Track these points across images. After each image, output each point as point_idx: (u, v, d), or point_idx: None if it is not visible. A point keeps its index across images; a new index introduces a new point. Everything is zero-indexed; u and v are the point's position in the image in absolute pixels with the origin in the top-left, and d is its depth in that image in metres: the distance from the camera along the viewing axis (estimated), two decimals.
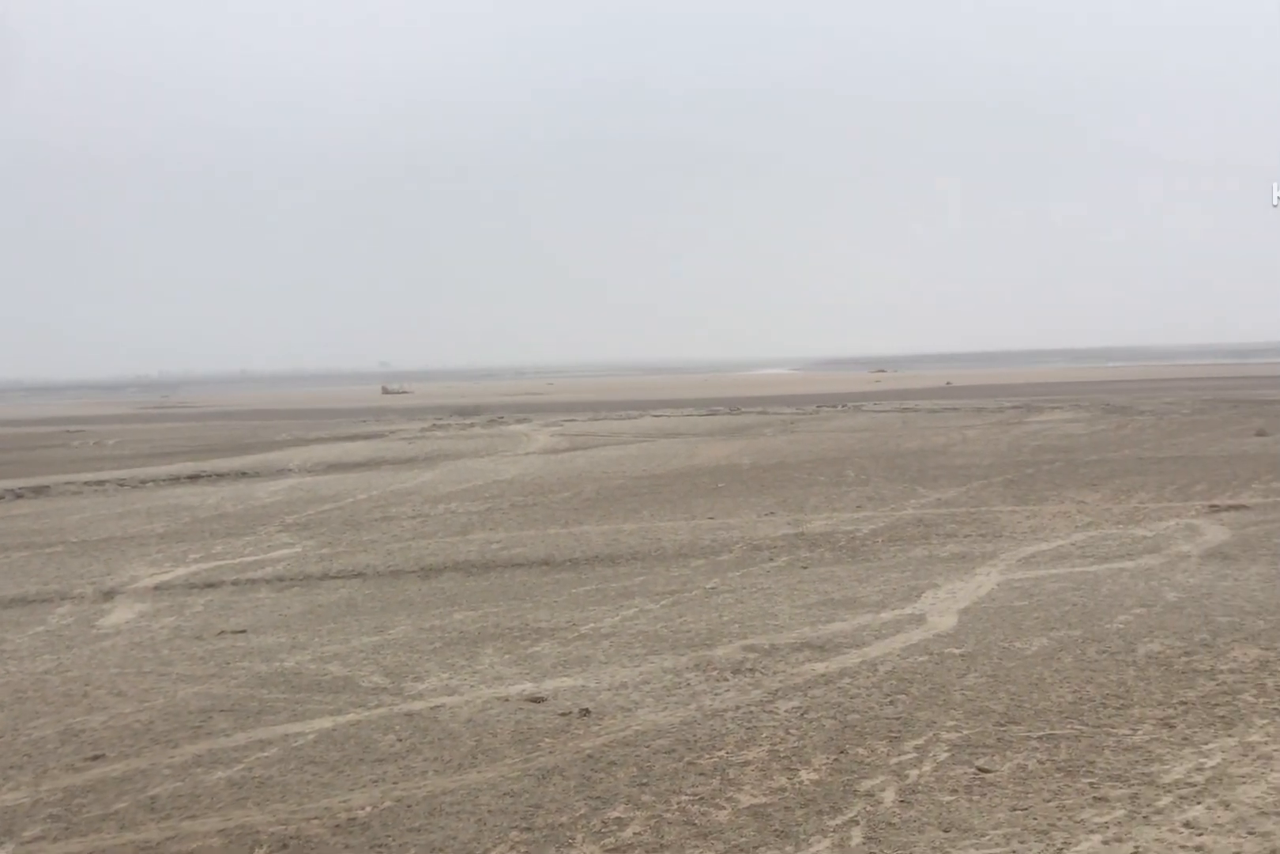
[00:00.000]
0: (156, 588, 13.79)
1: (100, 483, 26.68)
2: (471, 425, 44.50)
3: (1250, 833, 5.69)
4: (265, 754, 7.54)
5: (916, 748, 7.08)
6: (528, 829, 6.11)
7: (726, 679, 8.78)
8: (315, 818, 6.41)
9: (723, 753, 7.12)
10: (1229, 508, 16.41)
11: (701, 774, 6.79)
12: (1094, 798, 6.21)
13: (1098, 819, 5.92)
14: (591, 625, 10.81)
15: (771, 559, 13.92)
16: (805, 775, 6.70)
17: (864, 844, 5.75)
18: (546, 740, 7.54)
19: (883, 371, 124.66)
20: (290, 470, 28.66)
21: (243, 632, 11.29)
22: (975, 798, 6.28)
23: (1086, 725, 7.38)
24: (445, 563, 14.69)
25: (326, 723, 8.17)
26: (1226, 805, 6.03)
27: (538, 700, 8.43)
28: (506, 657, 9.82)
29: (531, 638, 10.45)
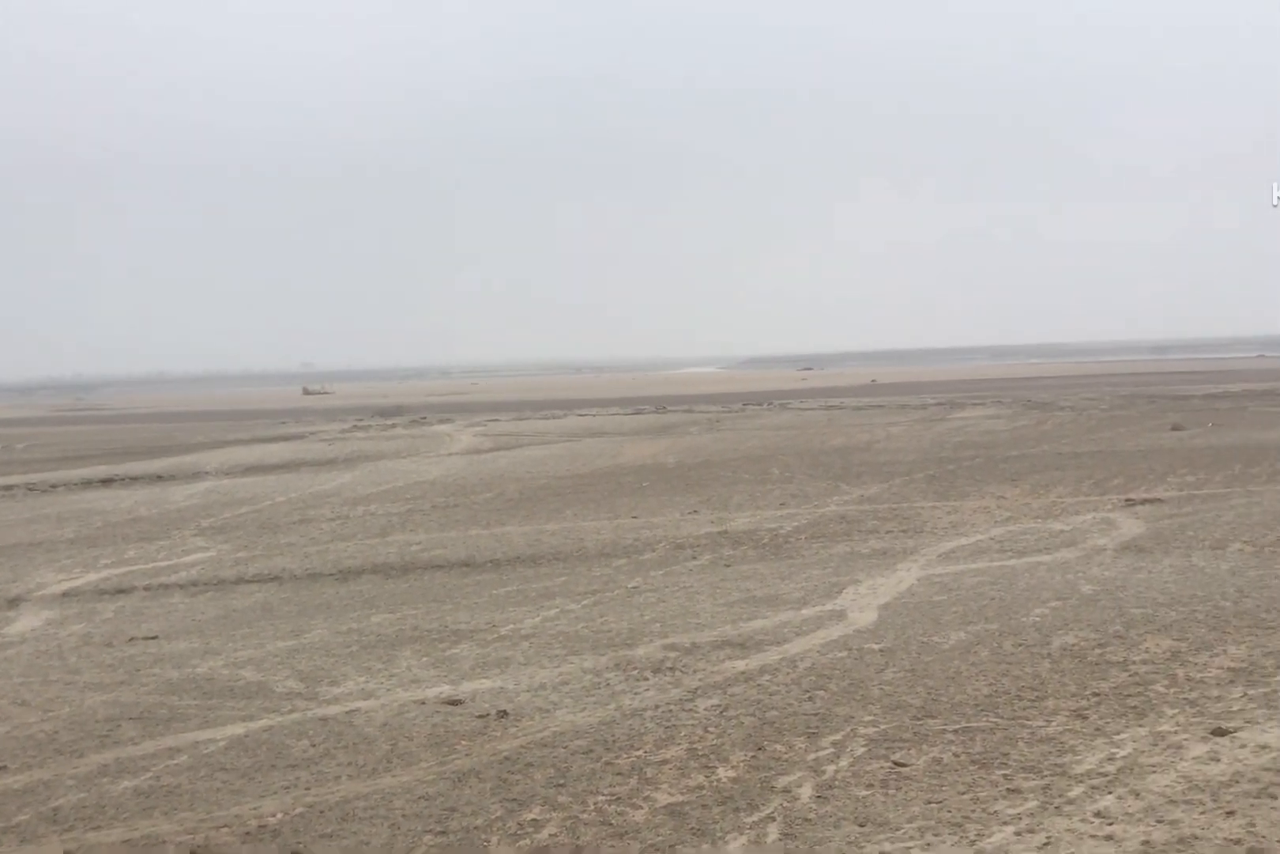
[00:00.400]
0: (65, 594, 13.51)
1: (8, 488, 26.09)
2: (393, 426, 44.16)
3: (1159, 821, 5.80)
4: (174, 762, 7.41)
5: (834, 743, 7.14)
6: (442, 833, 6.07)
7: (646, 678, 8.79)
8: (225, 826, 6.31)
9: (641, 752, 7.13)
10: (1144, 502, 16.75)
11: (619, 774, 6.79)
12: (1007, 790, 6.30)
13: (1011, 811, 6.01)
14: (511, 626, 10.77)
15: (694, 557, 13.97)
16: (723, 773, 6.73)
17: (780, 840, 5.78)
18: (463, 743, 7.50)
19: (809, 370, 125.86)
20: (207, 473, 28.24)
21: (154, 638, 11.10)
22: (891, 792, 6.34)
23: (1001, 718, 7.49)
24: (364, 565, 14.56)
25: (238, 729, 8.05)
26: (1137, 795, 6.15)
27: (455, 703, 8.38)
28: (425, 659, 9.75)
29: (450, 640, 10.39)
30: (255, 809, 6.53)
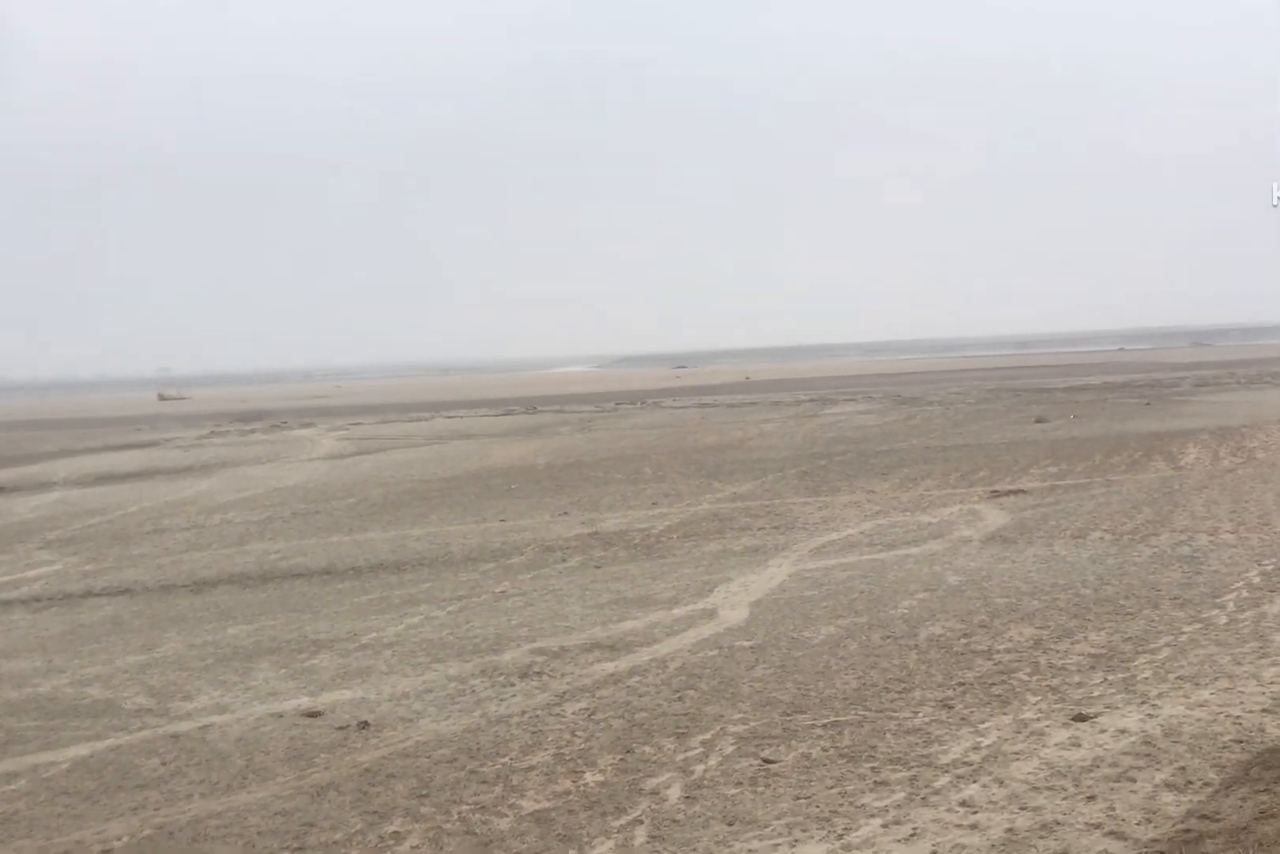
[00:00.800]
0: None
1: None
2: (253, 431, 43.23)
3: (1022, 808, 5.94)
4: (11, 787, 7.12)
5: (703, 743, 7.17)
6: (299, 849, 5.93)
7: (513, 684, 8.72)
8: (65, 852, 6.07)
9: (506, 759, 7.07)
10: (1009, 493, 17.21)
11: (484, 782, 6.72)
12: (875, 782, 6.40)
13: (878, 803, 6.10)
14: (374, 635, 10.59)
15: (564, 560, 13.93)
16: (590, 777, 6.70)
17: (648, 843, 5.78)
18: (322, 756, 7.35)
19: (683, 368, 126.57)
20: (55, 483, 27.33)
21: None
22: (760, 789, 6.39)
23: (869, 711, 7.61)
24: (220, 576, 14.20)
25: (83, 750, 7.77)
26: (1001, 783, 6.29)
27: (314, 715, 8.20)
28: (283, 671, 9.54)
29: (310, 650, 10.18)
30: (99, 834, 6.30)
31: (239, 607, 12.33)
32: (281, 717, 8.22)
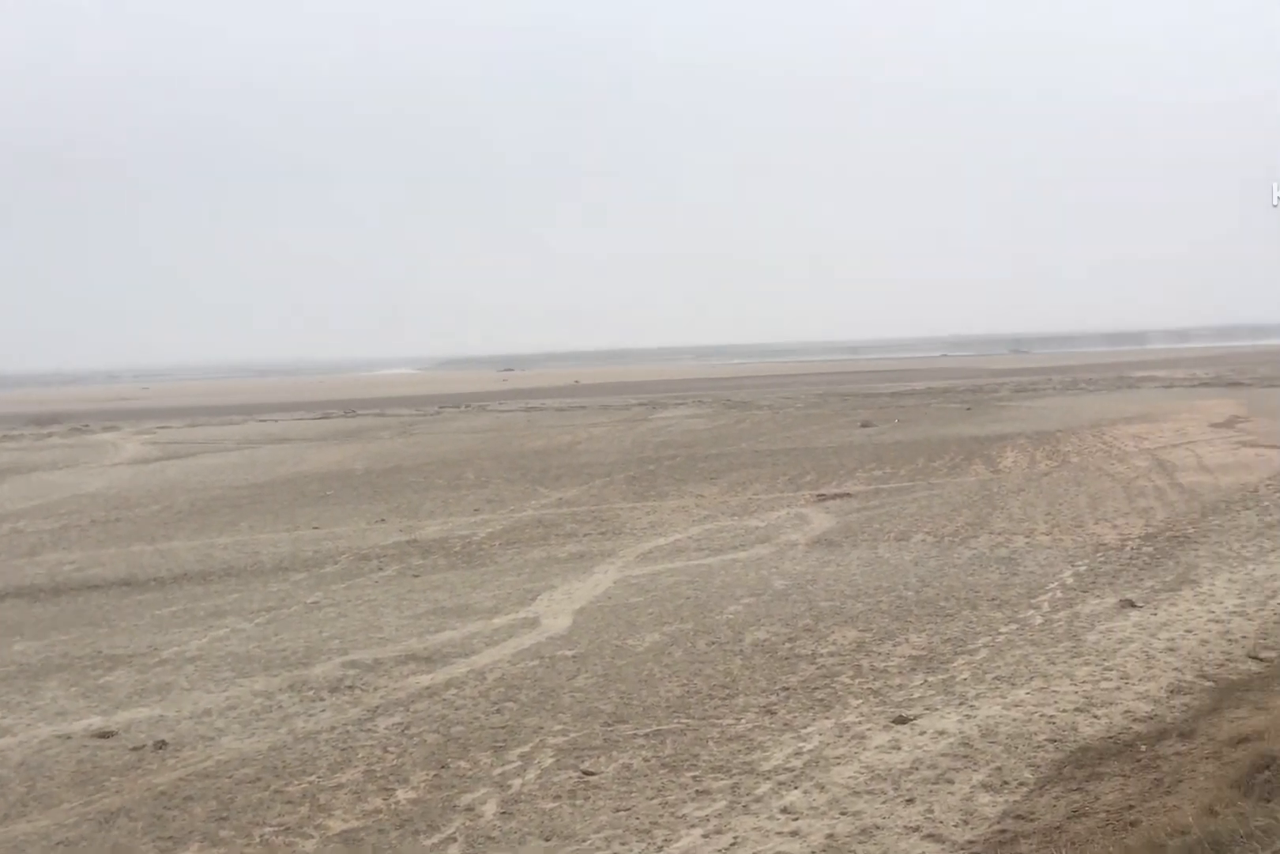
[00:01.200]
0: None
1: None
2: (49, 435, 41.37)
3: (843, 813, 6.02)
4: None
5: (521, 756, 7.07)
6: None
7: (323, 699, 8.47)
8: None
9: (314, 778, 6.84)
10: (835, 496, 17.57)
11: (289, 803, 6.49)
12: (696, 791, 6.40)
13: (699, 813, 6.10)
14: (175, 649, 10.17)
15: (381, 569, 13.66)
16: (402, 795, 6.54)
17: None
18: (113, 779, 7.00)
19: (510, 370, 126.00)
20: None
21: None
22: (579, 802, 6.33)
23: (693, 718, 7.62)
24: (6, 589, 13.48)
25: None
26: (822, 788, 6.36)
27: (106, 735, 7.82)
28: (73, 689, 9.07)
29: (105, 667, 9.71)
30: None
31: (28, 622, 11.72)
32: (69, 738, 7.81)
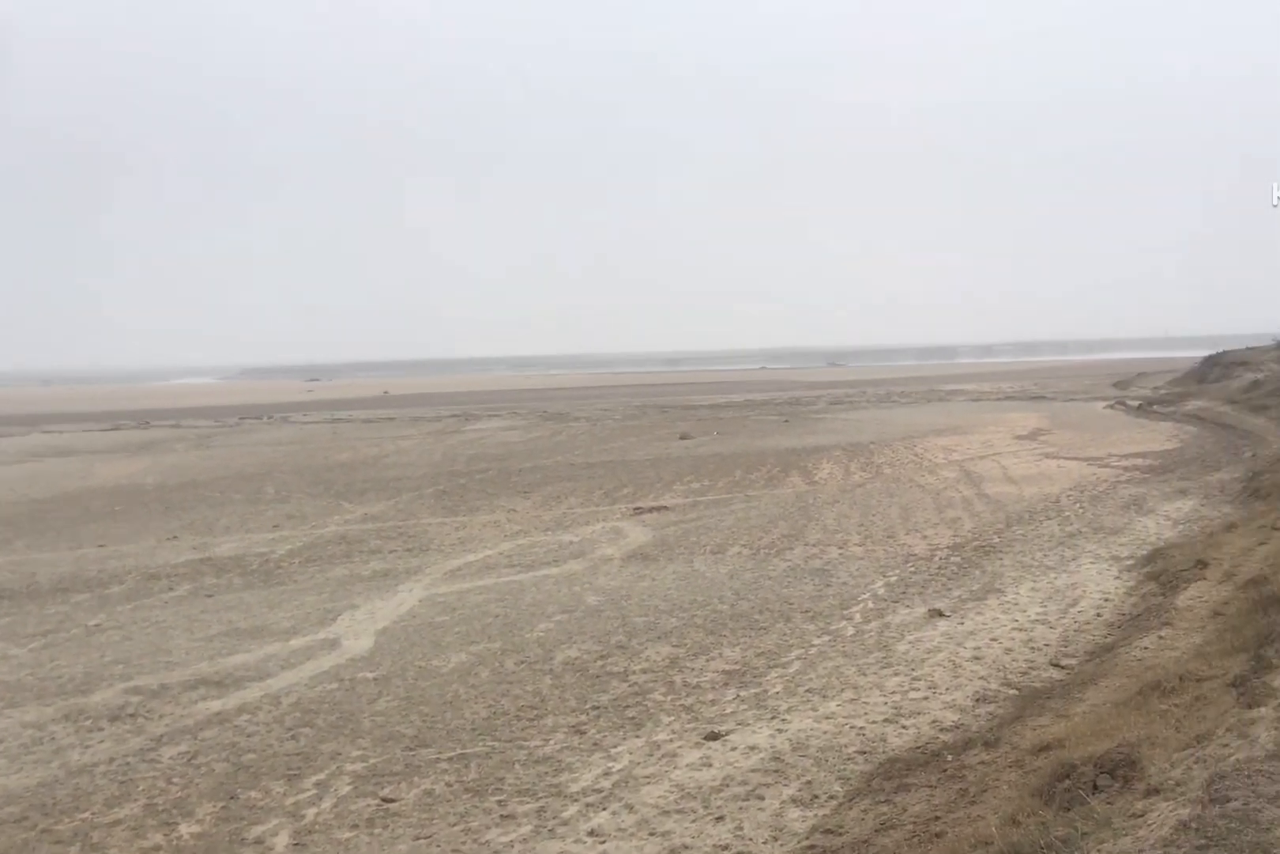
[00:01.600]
0: None
1: None
2: None
3: (652, 834, 5.99)
4: None
5: (317, 784, 6.85)
6: None
7: (102, 728, 8.07)
8: None
9: (87, 814, 6.50)
10: (652, 510, 17.66)
11: (58, 842, 6.14)
12: (501, 816, 6.29)
13: (503, 839, 5.99)
14: None
15: (171, 588, 13.14)
16: (186, 829, 6.26)
17: None
18: None
19: (316, 380, 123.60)
20: None
21: None
22: (377, 831, 6.15)
23: (499, 741, 7.50)
24: None
25: None
26: (631, 808, 6.32)
27: None
28: None
29: None
30: None
31: None
32: None
